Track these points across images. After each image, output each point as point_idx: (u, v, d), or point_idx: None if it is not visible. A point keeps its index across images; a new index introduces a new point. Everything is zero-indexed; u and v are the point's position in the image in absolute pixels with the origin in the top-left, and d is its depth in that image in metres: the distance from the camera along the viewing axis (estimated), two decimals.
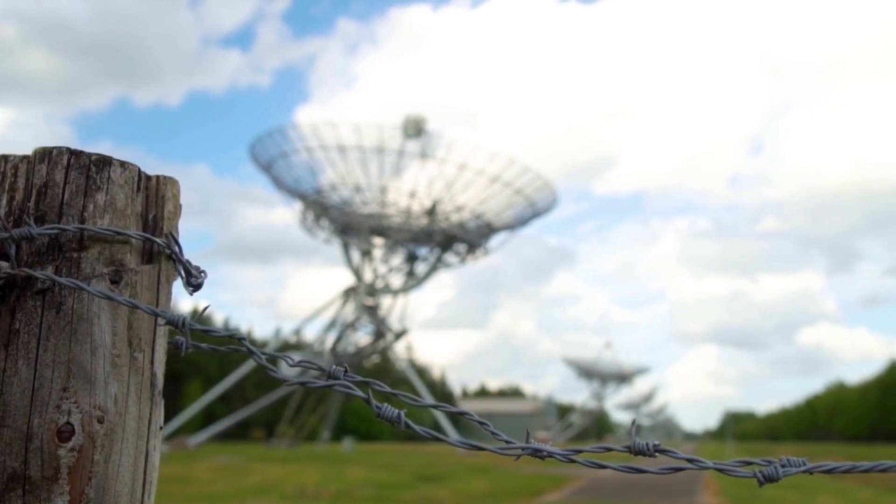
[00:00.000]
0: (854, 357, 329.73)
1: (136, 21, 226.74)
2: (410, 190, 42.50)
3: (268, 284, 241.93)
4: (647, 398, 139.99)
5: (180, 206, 0.97)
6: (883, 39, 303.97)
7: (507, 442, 0.78)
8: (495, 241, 47.73)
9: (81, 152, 0.89)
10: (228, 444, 53.98)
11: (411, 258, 47.93)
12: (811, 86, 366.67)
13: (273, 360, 0.88)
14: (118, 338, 0.86)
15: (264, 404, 49.96)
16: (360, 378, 0.85)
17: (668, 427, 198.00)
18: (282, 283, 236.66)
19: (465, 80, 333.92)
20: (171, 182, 0.96)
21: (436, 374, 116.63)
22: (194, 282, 0.89)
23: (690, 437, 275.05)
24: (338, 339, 43.79)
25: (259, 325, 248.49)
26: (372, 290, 44.71)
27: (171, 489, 16.23)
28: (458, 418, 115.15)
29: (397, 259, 48.34)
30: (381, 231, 43.78)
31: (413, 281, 46.69)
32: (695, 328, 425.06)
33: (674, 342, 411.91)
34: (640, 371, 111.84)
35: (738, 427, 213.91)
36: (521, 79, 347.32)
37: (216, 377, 65.38)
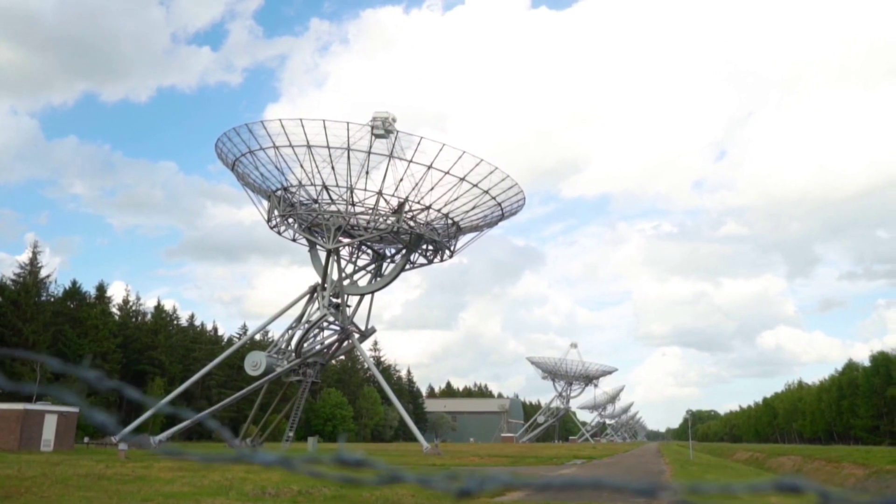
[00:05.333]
0: (811, 359, 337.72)
1: (105, 16, 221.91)
2: (378, 189, 42.35)
3: (234, 282, 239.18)
4: (613, 398, 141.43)
5: None
6: (844, 49, 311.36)
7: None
8: (462, 241, 47.83)
9: None
10: (191, 443, 53.22)
11: (378, 257, 47.79)
12: (774, 94, 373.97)
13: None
14: None
15: (228, 403, 49.40)
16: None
17: (632, 426, 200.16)
18: (248, 281, 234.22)
19: (435, 83, 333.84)
20: None
21: (402, 373, 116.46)
22: None
23: (655, 435, 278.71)
24: (303, 338, 43.44)
25: (224, 323, 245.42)
26: (338, 289, 44.48)
27: (127, 488, 15.97)
28: (424, 418, 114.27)
29: (364, 258, 48.18)
30: (348, 230, 43.55)
31: (380, 280, 46.57)
32: (658, 330, 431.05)
33: (638, 343, 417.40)
34: (606, 372, 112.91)
35: (700, 427, 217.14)
36: (491, 82, 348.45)
37: (179, 376, 64.47)
